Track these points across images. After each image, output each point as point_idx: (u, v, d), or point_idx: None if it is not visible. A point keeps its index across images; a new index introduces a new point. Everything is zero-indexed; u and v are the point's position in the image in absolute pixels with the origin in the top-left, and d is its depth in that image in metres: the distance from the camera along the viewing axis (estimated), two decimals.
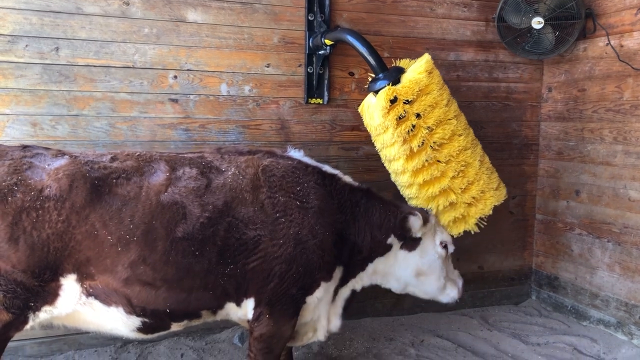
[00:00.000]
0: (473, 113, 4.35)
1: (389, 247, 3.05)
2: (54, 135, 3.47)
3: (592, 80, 4.21)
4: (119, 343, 3.65)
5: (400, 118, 3.12)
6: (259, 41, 3.83)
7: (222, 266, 2.55)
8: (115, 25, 3.53)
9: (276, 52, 3.88)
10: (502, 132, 4.56)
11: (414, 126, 3.12)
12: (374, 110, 3.22)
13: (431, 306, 4.46)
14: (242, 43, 3.80)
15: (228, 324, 3.85)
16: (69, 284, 2.42)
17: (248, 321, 2.75)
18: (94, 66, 3.51)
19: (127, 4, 3.53)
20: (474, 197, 3.30)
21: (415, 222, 3.00)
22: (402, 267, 3.10)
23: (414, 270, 3.10)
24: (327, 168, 3.00)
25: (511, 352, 3.77)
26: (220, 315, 2.75)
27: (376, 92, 3.20)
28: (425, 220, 3.06)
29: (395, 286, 3.20)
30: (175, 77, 3.68)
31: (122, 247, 2.40)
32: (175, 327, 2.70)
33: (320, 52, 3.89)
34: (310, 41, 3.89)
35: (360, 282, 3.11)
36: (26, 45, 3.37)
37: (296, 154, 2.98)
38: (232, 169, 2.70)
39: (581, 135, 4.30)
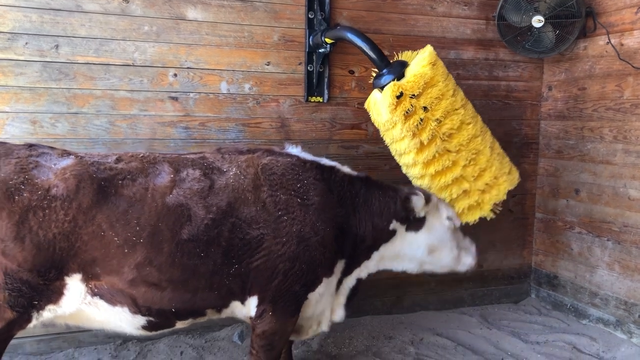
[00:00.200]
0: None
1: (392, 233, 3.05)
2: (53, 133, 3.47)
3: (592, 79, 4.21)
4: (118, 341, 3.65)
5: (407, 113, 3.10)
6: (259, 39, 3.83)
7: (227, 266, 2.57)
8: (115, 22, 3.52)
9: (276, 50, 3.88)
10: (502, 131, 4.54)
11: (422, 119, 3.10)
12: (380, 106, 3.21)
13: (430, 304, 4.48)
14: (242, 41, 3.79)
15: (227, 322, 3.86)
16: (74, 284, 2.42)
17: (250, 318, 2.77)
18: (94, 64, 3.51)
19: (127, 1, 3.53)
20: (487, 184, 3.29)
21: (417, 201, 3.00)
22: (414, 248, 3.10)
23: (425, 248, 3.10)
24: (325, 161, 2.99)
25: (510, 350, 3.78)
26: (226, 313, 2.77)
27: (381, 88, 3.18)
28: (428, 199, 3.06)
29: (410, 267, 3.20)
30: (175, 75, 3.68)
31: (129, 248, 2.41)
32: (180, 325, 2.72)
33: (320, 50, 3.88)
34: (311, 39, 3.89)
35: (366, 270, 3.11)
36: (26, 43, 3.37)
37: (294, 150, 2.99)
38: (234, 169, 2.71)
39: (581, 134, 4.30)
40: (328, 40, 3.76)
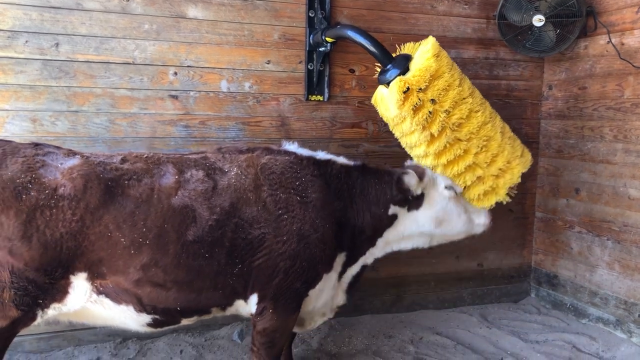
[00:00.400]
0: None
1: (393, 218, 3.06)
2: (53, 132, 3.47)
3: (592, 78, 4.21)
4: (118, 339, 3.65)
5: (415, 106, 3.09)
6: (259, 38, 3.83)
7: (230, 266, 2.59)
8: (116, 21, 3.52)
9: (276, 49, 3.87)
10: None
11: (430, 112, 3.09)
12: (388, 102, 3.19)
13: (430, 303, 4.48)
14: (242, 39, 3.79)
15: (227, 321, 3.86)
16: (80, 283, 2.43)
17: (251, 315, 2.79)
18: (94, 62, 3.51)
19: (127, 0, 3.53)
20: (500, 169, 3.28)
21: (410, 180, 3.00)
22: (420, 225, 3.11)
23: (432, 222, 3.11)
24: (321, 155, 3.00)
25: (510, 349, 3.78)
26: (230, 311, 2.80)
27: (387, 83, 3.16)
28: (421, 175, 3.06)
29: (420, 242, 3.23)
30: (176, 73, 3.67)
31: (135, 249, 2.42)
32: (186, 322, 2.74)
33: (320, 49, 3.88)
34: (311, 38, 3.88)
35: (371, 256, 3.13)
36: (26, 41, 3.36)
37: (291, 147, 3.00)
38: (235, 169, 2.72)
39: (581, 133, 4.30)
40: (328, 39, 3.76)
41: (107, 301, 2.51)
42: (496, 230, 4.53)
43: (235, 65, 3.79)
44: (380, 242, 3.09)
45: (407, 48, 3.30)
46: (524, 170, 3.38)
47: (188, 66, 3.69)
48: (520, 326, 4.19)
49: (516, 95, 4.59)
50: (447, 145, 3.18)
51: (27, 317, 2.39)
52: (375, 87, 3.41)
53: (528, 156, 3.45)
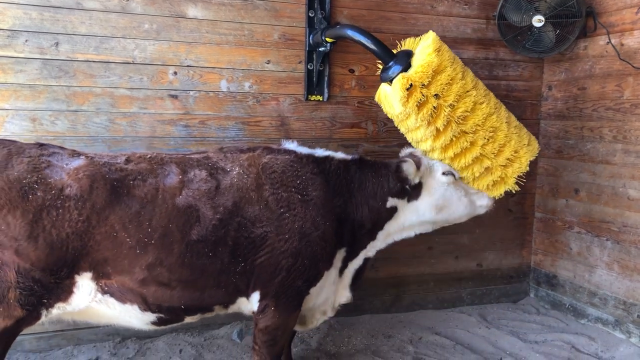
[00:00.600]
0: None
1: (393, 210, 3.07)
2: (53, 131, 3.47)
3: (592, 79, 4.21)
4: (117, 338, 3.66)
5: (420, 102, 3.08)
6: (259, 37, 3.83)
7: (233, 265, 2.61)
8: (115, 20, 3.52)
9: (276, 49, 3.88)
10: None
11: (435, 107, 3.09)
12: (392, 99, 3.18)
13: (429, 303, 4.48)
14: (242, 39, 3.79)
15: (227, 320, 3.86)
16: (84, 282, 2.45)
17: (253, 313, 2.80)
18: (94, 62, 3.51)
19: None
20: (508, 159, 3.29)
21: (408, 167, 3.01)
22: (420, 215, 3.12)
23: (432, 210, 3.12)
24: (319, 152, 3.02)
25: (509, 349, 3.78)
26: (232, 309, 2.82)
27: (390, 81, 3.16)
28: (418, 164, 3.07)
29: (422, 230, 3.24)
30: (175, 73, 3.67)
31: (140, 249, 2.44)
32: (190, 319, 2.76)
33: (320, 49, 3.88)
34: (311, 38, 3.89)
35: (372, 249, 3.15)
36: (26, 40, 3.36)
37: (290, 145, 3.01)
38: (237, 169, 2.74)
39: (581, 133, 4.30)
40: (328, 39, 3.76)
41: (111, 300, 2.52)
42: (496, 230, 4.56)
43: (235, 65, 3.79)
44: (380, 234, 3.11)
45: (407, 44, 3.30)
46: (532, 158, 3.38)
47: (188, 66, 3.69)
48: (520, 326, 4.19)
49: (516, 96, 4.59)
50: (454, 138, 3.17)
51: (32, 316, 2.40)
52: (375, 87, 3.41)
53: (535, 144, 3.44)
